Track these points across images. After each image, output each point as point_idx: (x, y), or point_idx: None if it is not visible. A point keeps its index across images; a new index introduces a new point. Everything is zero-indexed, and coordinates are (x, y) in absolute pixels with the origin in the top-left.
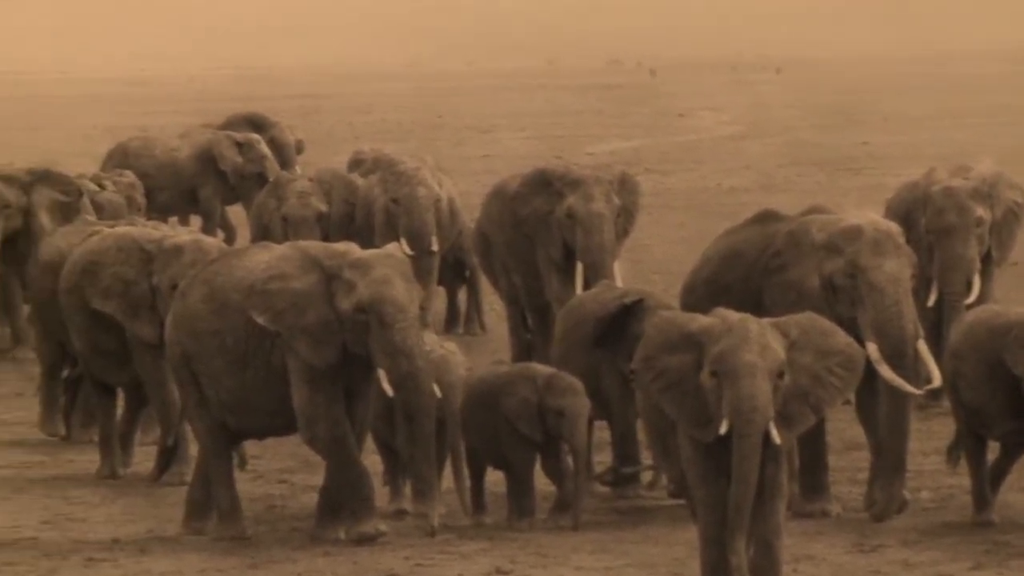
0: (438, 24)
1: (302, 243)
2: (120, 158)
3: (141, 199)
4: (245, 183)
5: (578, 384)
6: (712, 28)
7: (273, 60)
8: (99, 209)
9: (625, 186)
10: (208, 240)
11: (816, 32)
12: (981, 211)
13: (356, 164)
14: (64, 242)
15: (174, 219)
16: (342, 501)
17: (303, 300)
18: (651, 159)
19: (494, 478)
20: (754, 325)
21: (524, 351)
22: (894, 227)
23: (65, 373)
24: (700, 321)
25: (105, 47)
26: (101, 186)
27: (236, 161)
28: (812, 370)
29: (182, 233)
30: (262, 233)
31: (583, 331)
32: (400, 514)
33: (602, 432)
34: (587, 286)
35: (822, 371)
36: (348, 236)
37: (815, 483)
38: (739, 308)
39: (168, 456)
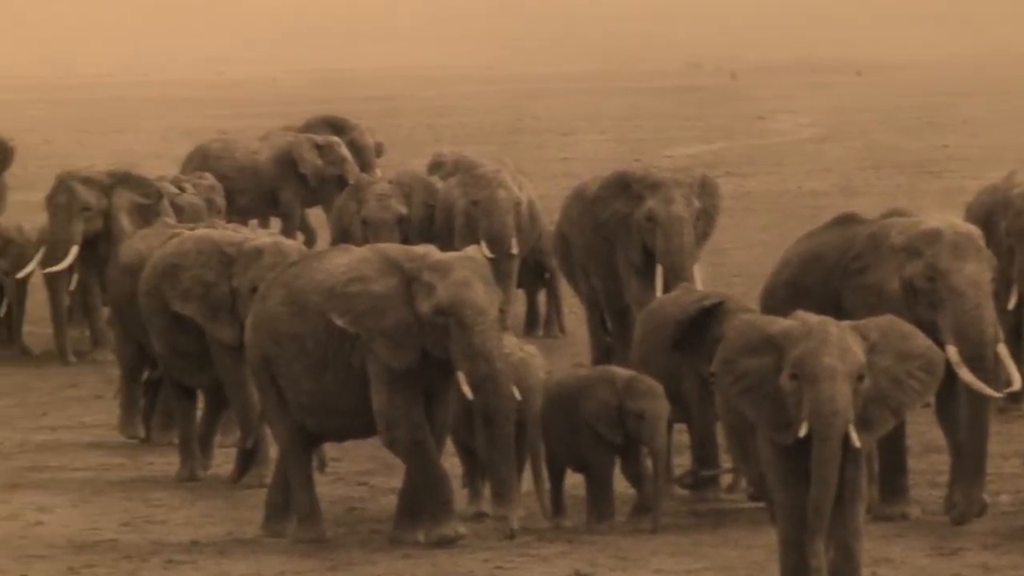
0: (518, 27)
1: (382, 246)
2: (200, 161)
3: (221, 201)
4: (325, 186)
5: (658, 387)
6: (792, 31)
7: (353, 63)
8: (179, 212)
9: (705, 189)
10: (288, 243)
11: (896, 35)
12: None
13: (436, 167)
14: (144, 245)
15: (254, 222)
16: (421, 504)
17: (383, 303)
18: (731, 162)
19: (573, 481)
20: (834, 328)
21: (604, 354)
22: (974, 230)
23: (145, 375)
24: (780, 324)
25: (186, 50)
26: (181, 188)
27: (316, 164)
28: (892, 373)
29: (262, 236)
30: (342, 236)
31: (663, 334)
32: (479, 517)
33: (681, 435)
34: (667, 289)
35: (902, 374)
36: (428, 239)
37: (895, 486)
38: (819, 311)
39: (248, 458)
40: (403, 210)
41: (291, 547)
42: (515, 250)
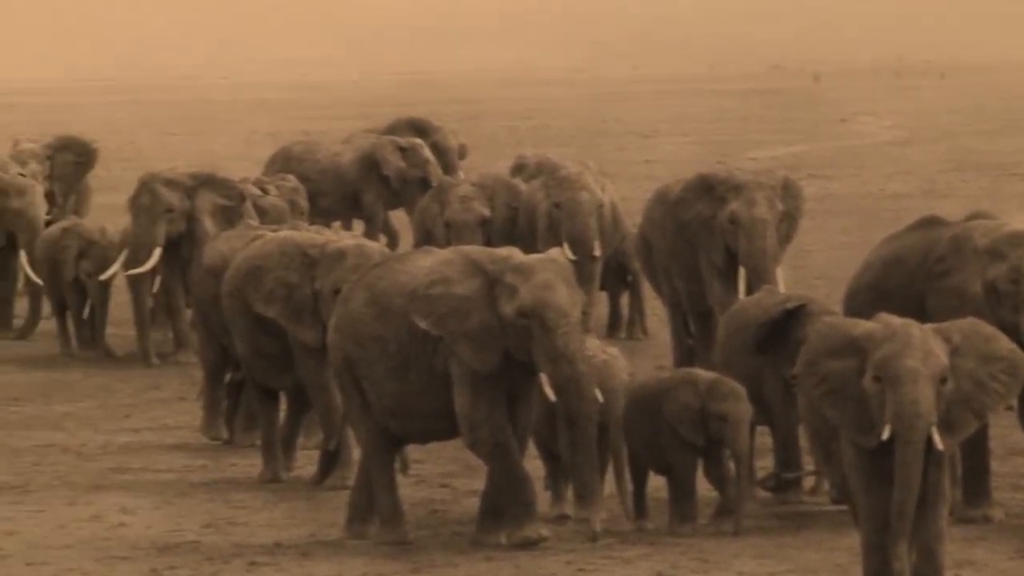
0: (601, 30)
1: (465, 248)
2: (283, 162)
3: (304, 203)
4: (408, 188)
5: (740, 389)
6: (875, 33)
7: (437, 65)
8: (262, 213)
9: (788, 191)
10: (371, 245)
11: (980, 37)
12: None
13: (519, 169)
14: (227, 246)
15: (337, 223)
16: (504, 506)
17: (466, 305)
18: (813, 164)
19: (656, 483)
20: (917, 331)
21: (686, 356)
22: None
23: (228, 377)
24: (863, 326)
25: (269, 53)
26: (264, 190)
27: (399, 166)
28: (975, 375)
29: (345, 238)
30: (425, 238)
31: (745, 336)
32: (562, 519)
33: (764, 437)
34: (749, 291)
35: (985, 376)
36: (511, 241)
37: (977, 488)
38: (901, 313)
39: (330, 460)
40: (486, 212)
41: (374, 549)
42: (598, 252)
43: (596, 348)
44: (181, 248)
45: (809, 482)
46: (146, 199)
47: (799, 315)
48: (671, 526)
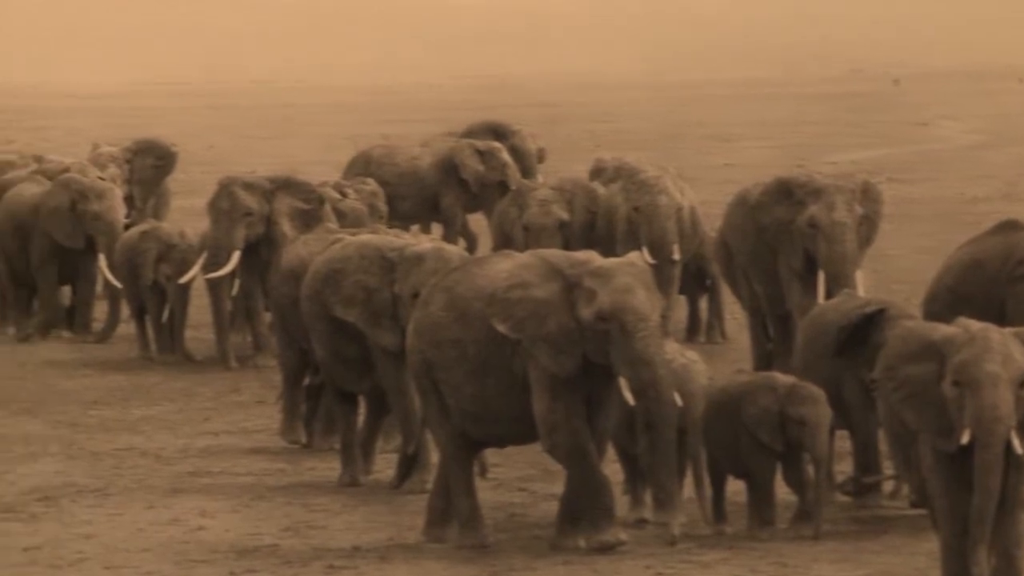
0: (681, 33)
1: (543, 251)
2: (362, 166)
3: (383, 207)
4: (487, 191)
5: (820, 393)
6: (955, 37)
7: (515, 68)
8: (341, 217)
9: (867, 195)
10: (450, 248)
11: None
12: None
13: (598, 172)
14: (306, 250)
15: (416, 227)
16: (582, 509)
17: (544, 308)
18: (893, 168)
19: (735, 487)
20: (996, 335)
21: (765, 360)
22: None
23: (307, 381)
24: (942, 331)
25: (349, 56)
26: (343, 194)
27: (478, 169)
28: None
29: (424, 241)
30: (503, 241)
31: (825, 340)
32: (640, 523)
33: (843, 441)
34: (829, 295)
35: None
36: (589, 244)
37: None
38: (981, 317)
39: (409, 464)
40: (565, 216)
41: (452, 553)
42: (677, 256)
43: (675, 352)
44: (260, 251)
45: (888, 486)
46: (225, 202)
47: (878, 319)
48: (750, 530)
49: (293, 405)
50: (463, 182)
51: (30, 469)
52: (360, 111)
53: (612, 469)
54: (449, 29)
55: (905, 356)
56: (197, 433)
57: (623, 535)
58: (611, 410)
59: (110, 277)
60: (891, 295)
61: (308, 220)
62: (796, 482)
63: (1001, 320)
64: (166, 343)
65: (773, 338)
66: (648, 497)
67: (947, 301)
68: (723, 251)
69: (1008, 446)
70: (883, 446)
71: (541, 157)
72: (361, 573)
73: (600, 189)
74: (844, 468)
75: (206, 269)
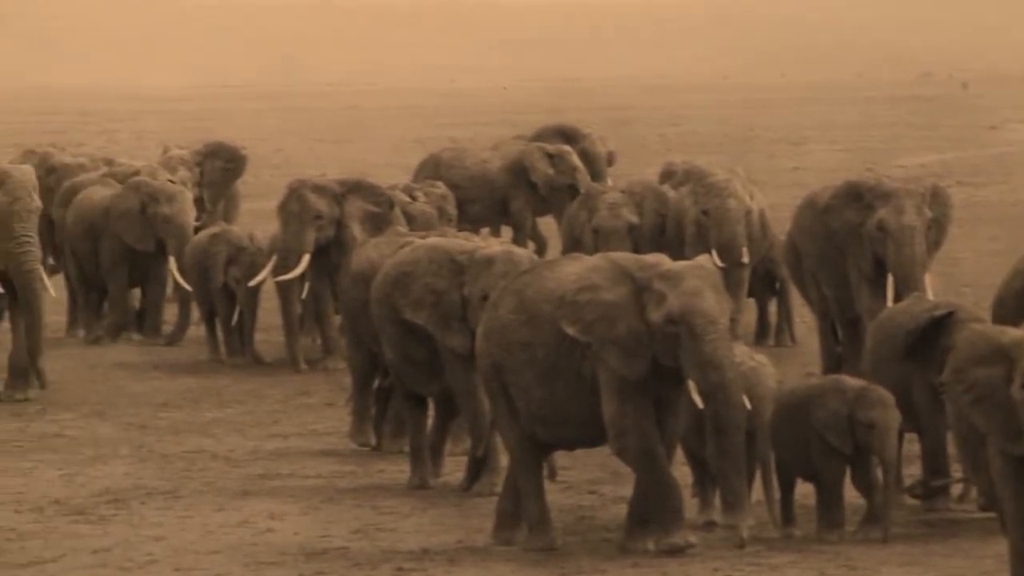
0: (749, 37)
1: (613, 254)
2: (432, 169)
3: (452, 210)
4: (556, 194)
5: (889, 396)
6: None
7: (585, 72)
8: (411, 220)
9: (936, 198)
10: (519, 251)
11: None
12: None
13: (667, 176)
14: (375, 253)
15: (485, 230)
16: (651, 512)
17: (614, 311)
18: (962, 171)
19: (803, 490)
20: None
21: (834, 363)
22: None
23: (376, 383)
24: (1011, 334)
25: (418, 59)
26: (413, 197)
27: (547, 173)
28: None
29: (493, 244)
30: (573, 244)
31: (893, 344)
32: (709, 526)
33: (912, 444)
34: (898, 298)
35: None
36: (659, 248)
37: None
38: None
39: (478, 466)
40: (634, 219)
41: (521, 555)
42: (746, 259)
43: (744, 355)
44: (330, 254)
45: (956, 489)
46: (295, 205)
47: (947, 322)
48: (819, 533)
49: (362, 408)
50: (533, 185)
51: (100, 471)
52: (430, 114)
53: (681, 472)
54: (520, 32)
55: (974, 359)
56: (266, 435)
57: (692, 538)
58: (680, 413)
59: (180, 280)
60: (960, 298)
61: (378, 223)
62: (865, 485)
63: None
64: (236, 346)
65: (842, 341)
66: (717, 500)
67: (1016, 305)
68: (792, 254)
69: None
70: (952, 449)
71: (611, 160)
72: (430, 575)
73: (669, 192)
74: (912, 471)
75: (276, 272)
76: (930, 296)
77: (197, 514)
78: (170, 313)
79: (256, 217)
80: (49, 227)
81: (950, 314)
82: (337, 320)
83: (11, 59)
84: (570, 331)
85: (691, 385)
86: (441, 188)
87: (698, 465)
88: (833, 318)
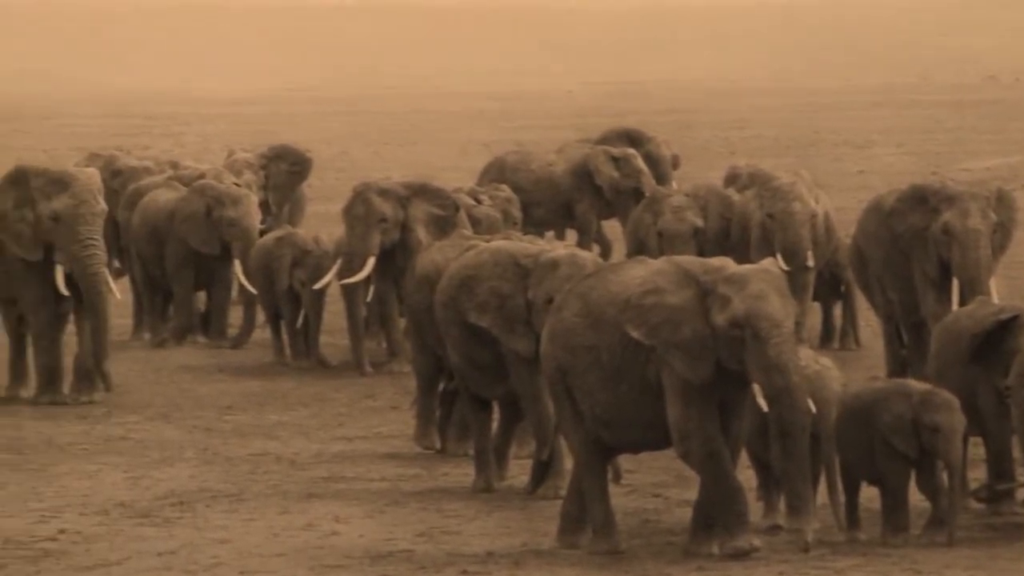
0: (816, 40)
1: (678, 258)
2: (497, 172)
3: (517, 213)
4: (621, 198)
5: (953, 400)
6: None
7: (650, 75)
8: (475, 223)
9: (1002, 202)
10: (584, 254)
11: None
12: None
13: (732, 179)
14: (440, 256)
15: (550, 233)
16: (716, 516)
17: (678, 315)
18: None
19: (868, 494)
20: None
21: (899, 367)
22: None
23: (441, 386)
24: None
25: (483, 63)
26: (478, 200)
27: (612, 176)
28: None
29: (558, 247)
30: (638, 248)
31: (958, 347)
32: (774, 529)
33: (977, 448)
34: (963, 302)
35: None
36: (724, 251)
37: None
38: None
39: (543, 470)
40: (699, 222)
41: (586, 559)
42: (811, 263)
43: (809, 358)
44: (395, 257)
45: (1022, 493)
46: (360, 209)
47: (1013, 326)
48: (883, 537)
49: (427, 411)
50: (598, 188)
51: (165, 474)
52: (495, 117)
53: (746, 475)
54: (585, 35)
55: None
56: (331, 438)
57: (756, 541)
58: (745, 416)
59: (245, 283)
60: None
61: (443, 226)
62: (930, 489)
63: None
64: (301, 349)
65: (907, 345)
66: (782, 503)
67: None
68: (857, 258)
69: None
70: (1017, 453)
71: (675, 164)
72: None
73: (734, 196)
74: (978, 475)
75: (341, 275)
76: (995, 300)
77: (262, 517)
78: (235, 316)
79: (321, 220)
80: (114, 230)
81: (1015, 317)
82: (402, 323)
83: (77, 63)
84: (635, 334)
85: (756, 389)
86: (506, 191)
87: (763, 469)
88: (898, 322)
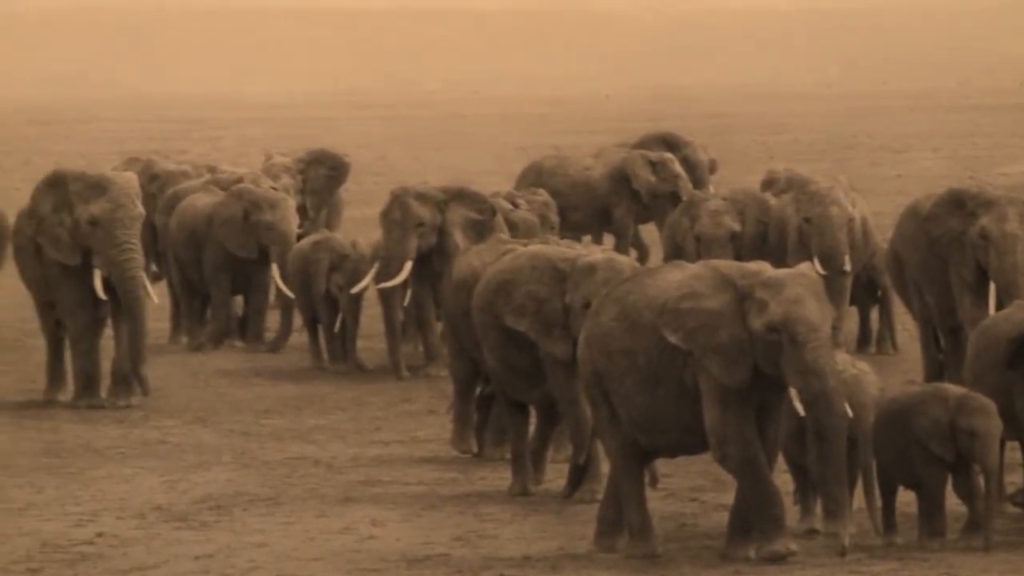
0: (853, 45)
1: (715, 262)
2: (534, 177)
3: (554, 217)
4: (658, 202)
5: (990, 404)
6: None
7: (687, 80)
8: (513, 227)
9: None
10: (621, 259)
11: None
12: None
13: (769, 183)
14: (478, 260)
15: (587, 238)
16: (753, 520)
17: (715, 319)
18: None
19: (905, 498)
20: None
21: (936, 371)
22: None
23: (478, 390)
24: None
25: (520, 67)
26: (515, 204)
27: (649, 180)
28: None
29: (595, 252)
30: (675, 252)
31: (996, 351)
32: (811, 533)
33: (1013, 452)
34: (1000, 306)
35: None
36: (761, 255)
37: None
38: None
39: (580, 473)
40: (736, 227)
41: (623, 562)
42: (848, 267)
43: (846, 363)
44: (432, 262)
45: None
46: (398, 213)
47: None
48: (920, 541)
49: (464, 414)
50: (635, 193)
51: (202, 478)
52: (532, 122)
53: (782, 479)
54: (623, 41)
55: None
56: (368, 442)
57: (793, 545)
58: (781, 420)
59: (283, 287)
60: None
61: (480, 230)
62: (966, 493)
63: None
64: (338, 353)
65: (944, 349)
66: (818, 507)
67: None
68: (894, 262)
69: None
70: None
71: (713, 168)
72: None
73: (772, 200)
74: (1014, 479)
75: (378, 279)
76: None
77: (299, 521)
78: (272, 320)
79: (359, 224)
80: (152, 234)
81: None
82: (439, 327)
83: (115, 67)
84: (672, 338)
85: (793, 393)
86: (543, 195)
87: (799, 472)
88: (935, 326)
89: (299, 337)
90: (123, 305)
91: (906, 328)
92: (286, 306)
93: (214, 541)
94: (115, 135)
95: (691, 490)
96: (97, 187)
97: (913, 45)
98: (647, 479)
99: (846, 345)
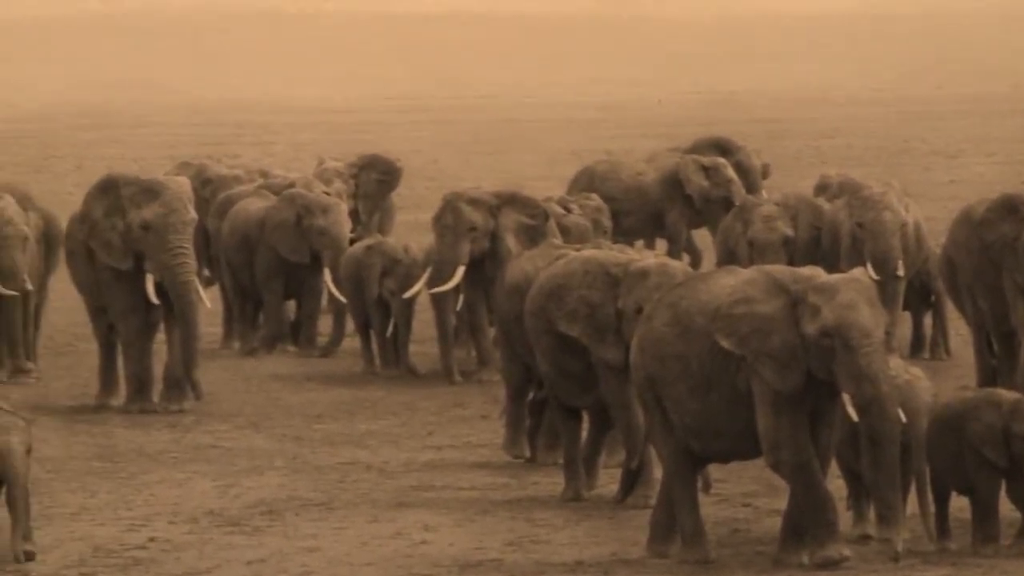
0: (905, 50)
1: (768, 267)
2: (587, 181)
3: (607, 222)
4: (711, 207)
5: None
6: None
7: (739, 84)
8: (565, 232)
9: None
10: (674, 264)
11: None
12: None
13: (822, 189)
14: (530, 265)
15: (640, 242)
16: (806, 525)
17: (768, 324)
18: None
19: (959, 504)
20: None
21: (989, 376)
22: None
23: (530, 395)
24: None
25: (573, 72)
26: (568, 209)
27: (702, 185)
28: None
29: (648, 257)
30: (728, 257)
31: None
32: (864, 539)
33: None
34: None
35: None
36: (814, 260)
37: None
38: None
39: (633, 479)
40: (789, 232)
41: (676, 567)
42: (901, 272)
43: (899, 368)
44: (484, 266)
45: None
46: (450, 218)
47: None
48: (974, 546)
49: (517, 419)
50: (688, 198)
51: (255, 483)
52: (585, 126)
53: (836, 485)
54: (675, 46)
55: None
56: (421, 447)
57: (846, 551)
58: (835, 426)
59: (335, 292)
60: None
61: (533, 235)
62: (1020, 498)
63: None
64: (390, 357)
65: (997, 354)
66: (871, 513)
67: None
68: (948, 267)
69: None
70: None
71: (766, 173)
72: None
73: (825, 205)
74: None
75: (431, 284)
76: None
77: (351, 525)
78: (325, 325)
79: (411, 229)
80: (204, 239)
81: None
82: (491, 332)
83: (169, 72)
84: (725, 343)
85: (846, 398)
86: (596, 200)
87: (853, 478)
88: (988, 331)
89: (351, 342)
90: (175, 309)
91: (959, 333)
92: (338, 311)
93: (266, 546)
94: (167, 139)
95: (744, 495)
96: (150, 192)
97: (967, 50)
98: (700, 484)
99: (899, 350)
